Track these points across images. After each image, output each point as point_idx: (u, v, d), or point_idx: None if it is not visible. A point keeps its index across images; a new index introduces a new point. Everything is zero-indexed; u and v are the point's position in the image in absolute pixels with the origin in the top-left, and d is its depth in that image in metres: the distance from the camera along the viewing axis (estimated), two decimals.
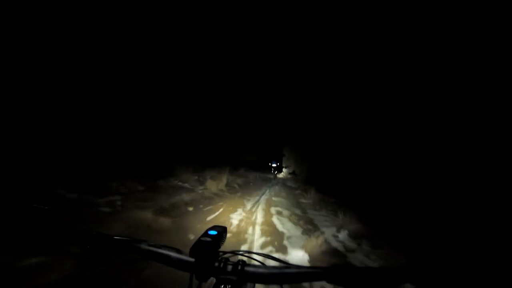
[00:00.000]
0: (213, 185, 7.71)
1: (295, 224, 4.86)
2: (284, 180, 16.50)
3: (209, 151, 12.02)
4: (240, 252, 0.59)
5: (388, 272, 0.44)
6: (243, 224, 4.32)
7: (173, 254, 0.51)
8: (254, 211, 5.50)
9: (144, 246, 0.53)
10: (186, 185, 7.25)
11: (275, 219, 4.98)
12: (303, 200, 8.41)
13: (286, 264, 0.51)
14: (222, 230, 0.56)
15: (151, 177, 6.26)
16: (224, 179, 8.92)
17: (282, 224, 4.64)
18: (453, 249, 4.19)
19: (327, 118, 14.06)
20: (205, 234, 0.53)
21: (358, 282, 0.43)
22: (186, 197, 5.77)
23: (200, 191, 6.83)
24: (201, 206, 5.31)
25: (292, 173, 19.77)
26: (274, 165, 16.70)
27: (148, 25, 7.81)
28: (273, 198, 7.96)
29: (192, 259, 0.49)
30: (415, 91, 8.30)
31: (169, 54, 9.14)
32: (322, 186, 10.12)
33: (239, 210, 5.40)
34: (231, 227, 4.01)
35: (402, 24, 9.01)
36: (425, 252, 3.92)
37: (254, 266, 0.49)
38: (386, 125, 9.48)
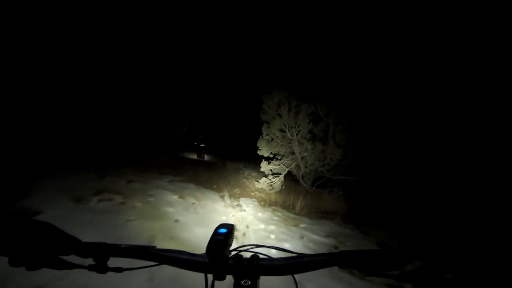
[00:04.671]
0: None
1: None
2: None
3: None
4: (252, 247, 0.60)
5: (396, 253, 0.46)
6: None
7: (186, 256, 0.51)
8: None
9: (154, 252, 0.51)
10: None
11: None
12: None
13: (297, 254, 0.52)
14: (231, 228, 0.56)
15: None
16: None
17: None
18: None
19: None
20: (216, 233, 0.52)
21: (368, 265, 0.45)
22: None
23: None
24: None
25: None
26: (202, 144, 13.05)
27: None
28: None
29: (207, 259, 0.49)
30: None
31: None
32: None
33: None
34: None
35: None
36: None
37: (268, 259, 0.51)
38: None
